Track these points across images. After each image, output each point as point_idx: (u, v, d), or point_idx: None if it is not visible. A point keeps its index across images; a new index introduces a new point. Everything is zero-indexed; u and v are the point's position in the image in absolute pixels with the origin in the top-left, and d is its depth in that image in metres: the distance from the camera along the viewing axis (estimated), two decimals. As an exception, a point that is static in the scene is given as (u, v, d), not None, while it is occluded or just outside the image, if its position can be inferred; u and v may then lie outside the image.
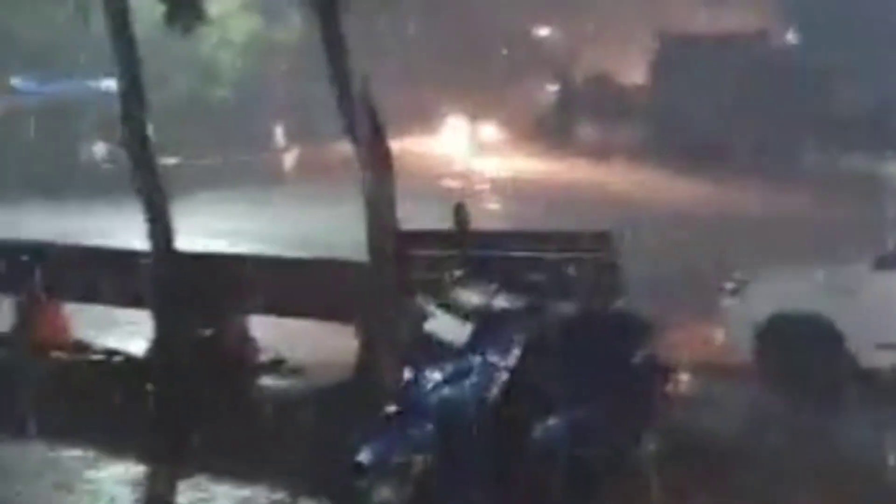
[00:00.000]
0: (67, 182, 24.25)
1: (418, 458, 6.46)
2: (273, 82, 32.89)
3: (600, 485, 6.97)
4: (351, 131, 9.40)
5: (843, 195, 17.95)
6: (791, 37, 31.73)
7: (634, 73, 33.93)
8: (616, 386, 7.10)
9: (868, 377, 9.12)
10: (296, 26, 29.01)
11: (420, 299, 7.59)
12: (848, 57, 26.53)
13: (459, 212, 7.47)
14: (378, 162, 9.06)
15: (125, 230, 10.90)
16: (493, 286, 6.97)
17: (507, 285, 7.04)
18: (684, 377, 9.74)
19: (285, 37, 31.18)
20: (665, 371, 8.10)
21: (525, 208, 19.54)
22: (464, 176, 25.48)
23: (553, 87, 35.62)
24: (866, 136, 23.92)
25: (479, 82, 31.74)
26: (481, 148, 31.09)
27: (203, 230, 17.31)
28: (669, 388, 8.25)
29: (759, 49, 31.31)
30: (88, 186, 23.49)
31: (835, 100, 27.55)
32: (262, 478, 7.59)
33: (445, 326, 6.84)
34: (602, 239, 9.44)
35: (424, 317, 7.08)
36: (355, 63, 9.67)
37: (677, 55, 31.33)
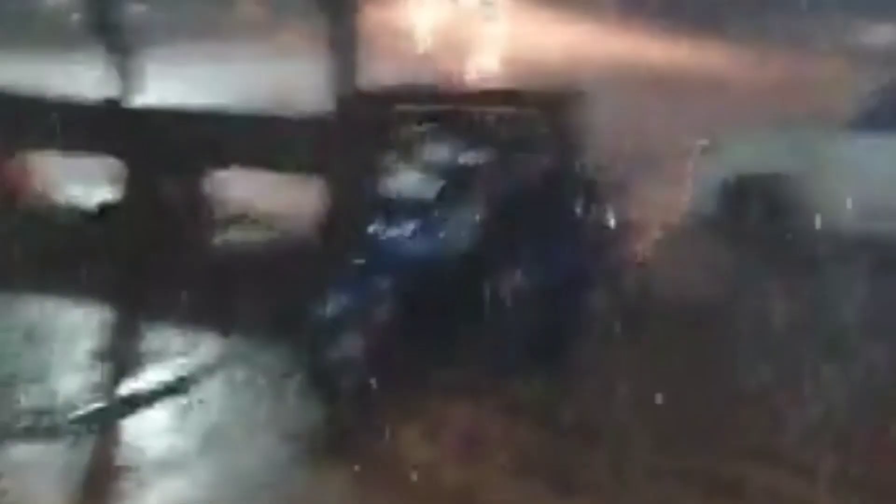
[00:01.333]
0: (27, 29, 23.70)
1: (381, 311, 6.47)
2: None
3: (566, 342, 7.02)
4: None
5: (812, 60, 17.81)
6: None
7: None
8: (583, 244, 7.12)
9: (835, 241, 9.13)
10: None
11: (387, 154, 7.51)
12: None
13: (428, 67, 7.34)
14: (338, 11, 8.87)
15: (85, 81, 10.65)
16: (462, 142, 6.89)
17: (476, 141, 6.97)
18: (653, 236, 9.77)
19: None
20: (631, 231, 8.11)
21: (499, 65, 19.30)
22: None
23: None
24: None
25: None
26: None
27: (166, 83, 17.07)
28: (638, 246, 8.28)
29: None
30: (50, 35, 22.96)
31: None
32: (221, 330, 7.59)
33: (412, 181, 6.78)
34: (573, 98, 9.32)
35: (393, 171, 7.01)
36: None
37: None
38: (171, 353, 7.43)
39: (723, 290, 8.67)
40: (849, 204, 9.13)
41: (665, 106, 15.03)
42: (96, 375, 7.18)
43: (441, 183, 6.74)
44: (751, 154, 9.86)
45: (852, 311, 7.60)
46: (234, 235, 9.85)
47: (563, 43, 23.20)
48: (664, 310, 7.99)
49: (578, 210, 7.33)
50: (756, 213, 9.59)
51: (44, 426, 6.43)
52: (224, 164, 9.88)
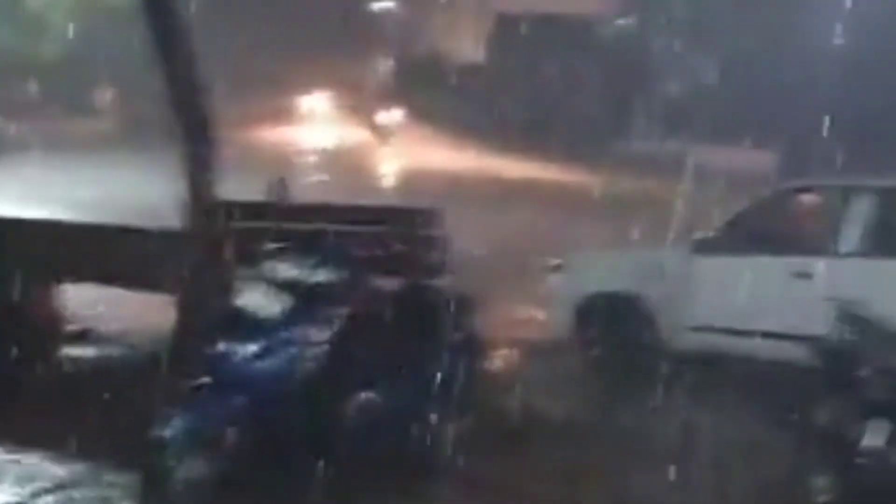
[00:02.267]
0: None
1: (228, 432, 6.33)
2: (102, 44, 31.91)
3: (417, 460, 6.98)
4: (175, 99, 9.14)
5: (666, 180, 18.37)
6: (624, 21, 32.34)
7: (471, 50, 34.12)
8: (433, 363, 7.12)
9: (680, 358, 9.34)
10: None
11: (237, 271, 7.44)
12: (661, 44, 27.22)
13: (277, 184, 7.32)
14: (197, 129, 8.86)
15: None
16: (313, 259, 6.87)
17: (328, 259, 6.95)
18: (504, 354, 9.86)
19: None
20: (486, 348, 8.16)
21: (354, 182, 19.45)
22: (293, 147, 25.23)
23: (389, 63, 35.56)
24: (688, 122, 24.58)
25: (314, 56, 31.45)
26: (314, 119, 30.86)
27: (17, 194, 16.76)
28: (489, 364, 8.33)
29: (594, 31, 31.87)
30: None
31: (660, 85, 28.21)
32: (60, 451, 7.34)
33: (263, 299, 6.71)
34: (427, 215, 9.44)
35: (241, 289, 6.93)
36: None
37: (512, 34, 31.65)
38: (9, 477, 7.13)
39: (575, 407, 8.77)
40: (693, 323, 9.38)
41: (523, 226, 15.34)
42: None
43: (293, 301, 6.68)
44: (601, 273, 10.06)
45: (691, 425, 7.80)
46: (79, 351, 9.60)
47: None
48: (517, 426, 8.02)
49: (432, 328, 7.34)
50: (605, 331, 9.76)
51: None
52: (71, 277, 9.65)
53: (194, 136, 8.96)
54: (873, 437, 6.31)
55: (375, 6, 36.88)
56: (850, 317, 6.85)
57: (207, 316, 7.70)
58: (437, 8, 34.13)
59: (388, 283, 7.54)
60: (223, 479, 6.25)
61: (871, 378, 6.45)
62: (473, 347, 7.70)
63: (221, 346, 6.54)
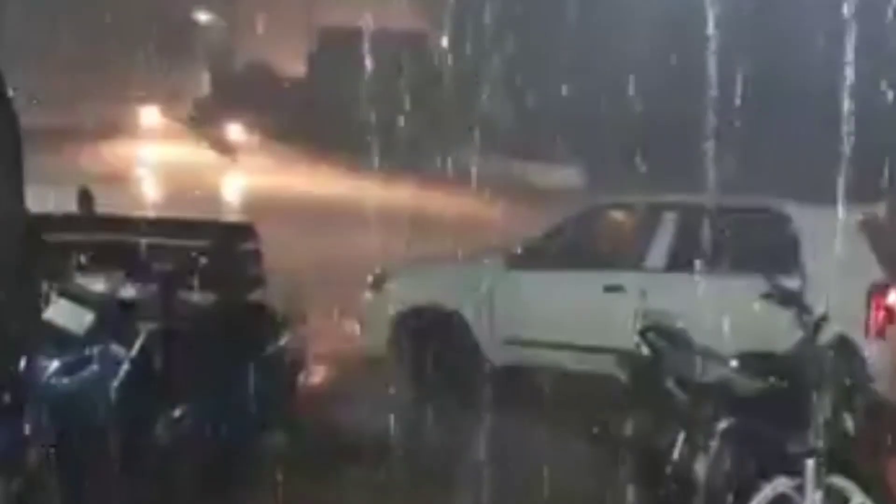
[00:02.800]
0: None
1: (35, 452, 6.12)
2: None
3: (225, 478, 6.87)
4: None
5: (480, 198, 18.61)
6: (447, 41, 32.64)
7: (292, 63, 33.97)
8: (246, 378, 7.03)
9: (495, 370, 9.47)
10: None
11: (42, 285, 7.19)
12: (502, 65, 27.61)
13: (83, 196, 7.13)
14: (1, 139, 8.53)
15: None
16: (121, 273, 6.69)
17: (136, 273, 6.78)
18: (321, 370, 9.81)
19: None
20: (301, 364, 8.10)
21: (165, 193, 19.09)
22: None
23: (208, 75, 35.15)
24: (515, 142, 24.99)
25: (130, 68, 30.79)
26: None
27: None
28: (303, 380, 8.27)
29: (417, 50, 32.10)
30: None
31: (480, 105, 28.55)
32: None
33: (68, 314, 6.51)
34: (242, 230, 9.32)
35: (46, 304, 6.71)
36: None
37: (334, 49, 31.66)
38: None
39: (392, 422, 8.77)
40: (508, 336, 9.52)
41: (341, 239, 15.30)
42: None
43: (98, 316, 6.49)
44: (420, 286, 10.11)
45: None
46: None
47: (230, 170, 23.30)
48: (333, 443, 7.99)
49: (247, 345, 7.26)
50: (422, 344, 9.81)
51: None
52: None
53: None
54: (682, 449, 6.49)
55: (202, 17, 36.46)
56: (657, 330, 7.03)
57: (11, 332, 7.43)
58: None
59: (199, 298, 7.40)
60: (27, 501, 6.03)
61: (678, 390, 6.63)
62: (286, 362, 7.64)
63: (26, 363, 6.31)
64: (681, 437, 6.43)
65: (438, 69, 30.23)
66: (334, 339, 10.29)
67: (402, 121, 27.37)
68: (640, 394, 6.88)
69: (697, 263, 9.16)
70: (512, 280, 9.64)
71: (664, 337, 6.95)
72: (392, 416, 8.76)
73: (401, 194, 20.47)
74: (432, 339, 9.77)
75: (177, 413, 6.63)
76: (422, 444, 8.17)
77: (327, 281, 12.08)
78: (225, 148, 25.80)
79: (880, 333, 8.50)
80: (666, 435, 6.52)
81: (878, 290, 8.67)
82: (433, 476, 7.42)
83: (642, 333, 6.97)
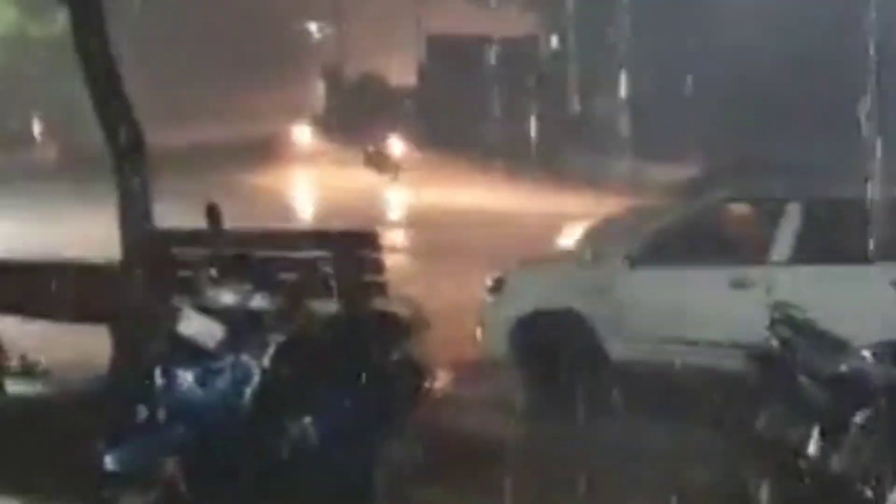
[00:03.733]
0: None
1: (170, 462, 6.28)
2: (30, 78, 31.65)
3: (358, 484, 6.94)
4: (107, 130, 9.08)
5: (601, 197, 18.52)
6: (557, 43, 32.57)
7: (403, 73, 34.21)
8: (374, 387, 7.09)
9: (618, 371, 9.40)
10: (56, 21, 28.00)
11: (174, 299, 7.38)
12: (607, 66, 27.51)
13: (211, 211, 7.28)
14: (131, 159, 8.81)
15: None
16: (249, 286, 6.82)
17: (263, 284, 6.91)
18: (443, 375, 9.84)
19: (43, 32, 30.07)
20: (425, 370, 8.13)
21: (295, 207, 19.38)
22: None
23: (322, 86, 35.58)
24: (621, 141, 24.84)
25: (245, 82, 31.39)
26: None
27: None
28: (428, 386, 8.30)
29: (527, 54, 32.09)
30: None
31: (596, 106, 28.47)
32: (9, 486, 7.23)
33: (199, 327, 6.66)
34: (365, 238, 9.41)
35: (178, 317, 6.87)
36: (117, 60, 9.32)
37: (444, 57, 31.81)
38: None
39: (517, 427, 8.78)
40: (633, 336, 9.43)
41: (461, 244, 15.35)
42: None
43: (229, 328, 6.63)
44: (540, 288, 10.08)
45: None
46: (17, 387, 9.47)
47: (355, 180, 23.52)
48: (460, 449, 8.02)
49: (372, 353, 7.32)
50: (546, 348, 9.76)
51: None
52: (7, 312, 9.53)
53: (129, 166, 8.91)
54: (812, 444, 6.38)
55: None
56: (788, 323, 6.92)
57: (146, 346, 7.65)
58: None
59: (325, 307, 7.50)
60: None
61: (811, 383, 6.53)
62: (411, 369, 7.68)
63: (161, 376, 6.49)
64: (815, 430, 6.32)
65: (551, 71, 30.18)
66: (457, 345, 10.32)
67: (511, 124, 27.51)
68: (772, 388, 6.78)
69: (825, 255, 9.01)
70: (634, 278, 9.55)
71: (794, 330, 6.84)
72: (517, 421, 8.79)
73: (516, 198, 20.47)
74: (554, 340, 9.71)
75: (307, 422, 6.72)
76: (549, 446, 8.16)
77: (447, 286, 12.18)
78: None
79: None
80: (800, 429, 6.41)
81: None
82: (563, 478, 7.40)
83: (772, 327, 6.87)
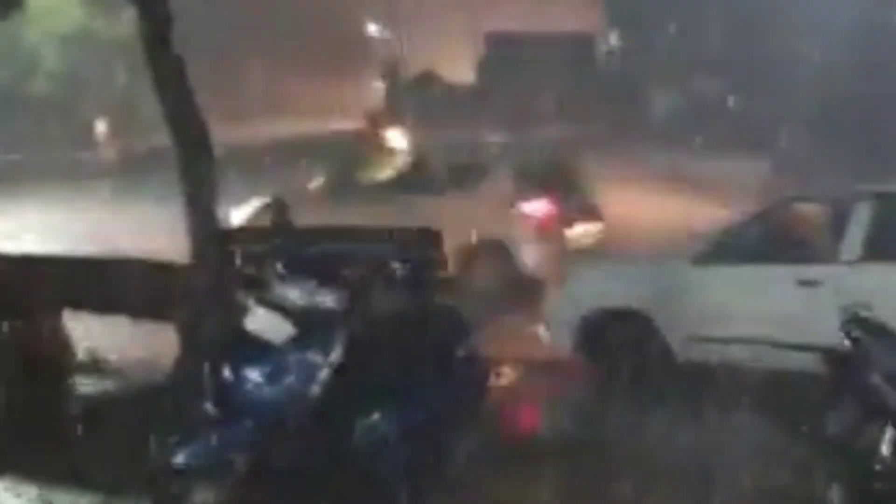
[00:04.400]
0: None
1: (239, 459, 6.30)
2: (98, 77, 32.04)
3: (426, 482, 6.94)
4: (174, 128, 9.15)
5: (664, 195, 18.42)
6: (616, 40, 32.43)
7: (463, 71, 34.22)
8: (440, 383, 7.09)
9: (683, 369, 9.34)
10: (122, 19, 28.31)
11: (241, 296, 7.41)
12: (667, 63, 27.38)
13: (278, 206, 7.32)
14: (197, 156, 8.87)
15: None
16: (315, 282, 6.84)
17: (329, 281, 6.92)
18: (509, 373, 9.83)
19: (111, 30, 30.41)
20: (490, 367, 8.13)
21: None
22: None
23: (381, 85, 35.69)
24: (683, 139, 24.66)
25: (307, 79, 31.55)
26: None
27: (23, 227, 16.79)
28: (494, 384, 8.30)
29: (585, 50, 31.97)
30: None
31: (654, 102, 28.31)
32: (77, 482, 7.31)
33: (266, 324, 6.69)
34: (429, 236, 9.40)
35: (245, 314, 6.91)
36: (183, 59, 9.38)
37: (504, 54, 31.79)
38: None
39: (585, 424, 8.74)
40: (699, 335, 9.36)
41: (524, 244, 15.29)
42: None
43: (298, 325, 6.65)
44: (605, 286, 10.05)
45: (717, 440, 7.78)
46: (86, 383, 9.57)
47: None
48: (531, 446, 8.01)
49: (438, 349, 7.32)
50: (612, 346, 9.73)
51: None
52: (75, 308, 9.64)
53: (195, 164, 8.97)
54: (887, 446, 6.29)
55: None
56: (859, 323, 6.82)
57: (213, 343, 7.69)
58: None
59: (391, 303, 7.49)
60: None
61: (885, 384, 6.43)
62: (476, 365, 7.67)
63: (229, 373, 6.52)
64: (889, 432, 6.23)
65: (608, 69, 30.03)
66: (523, 342, 10.31)
67: (569, 121, 27.38)
68: (843, 389, 6.68)
69: (894, 253, 8.87)
70: (700, 277, 9.49)
71: (866, 330, 6.74)
72: (582, 418, 8.74)
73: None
74: (619, 339, 9.68)
75: (374, 418, 6.72)
76: (613, 445, 8.11)
77: (509, 284, 12.16)
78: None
79: None
80: (873, 430, 6.32)
81: None
82: (630, 477, 7.35)
83: (844, 327, 6.78)
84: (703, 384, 9.13)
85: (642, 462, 7.59)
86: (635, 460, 7.65)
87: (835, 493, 6.52)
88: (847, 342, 6.77)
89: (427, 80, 34.04)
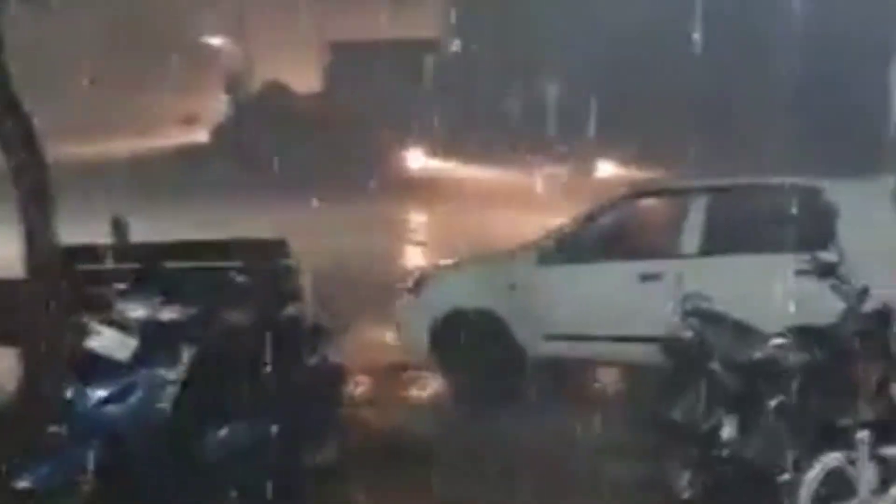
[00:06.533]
0: None
1: (85, 479, 6.17)
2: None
3: (280, 490, 6.89)
4: (3, 146, 8.87)
5: (508, 196, 18.64)
6: (459, 46, 32.66)
7: (310, 80, 34.07)
8: (293, 392, 7.06)
9: (536, 367, 9.46)
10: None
11: (83, 315, 7.25)
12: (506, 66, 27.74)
13: (117, 224, 7.19)
14: (31, 175, 8.63)
15: None
16: (159, 298, 6.73)
17: (174, 296, 6.82)
18: (364, 379, 9.83)
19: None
20: (344, 374, 8.12)
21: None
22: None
23: (225, 98, 35.24)
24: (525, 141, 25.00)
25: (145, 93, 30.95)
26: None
27: None
28: (348, 390, 8.29)
29: (431, 56, 32.16)
30: None
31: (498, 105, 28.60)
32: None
33: (111, 342, 6.56)
34: (277, 246, 9.34)
35: (89, 333, 6.76)
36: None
37: (349, 62, 31.79)
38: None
39: (438, 426, 8.80)
40: (548, 333, 9.50)
41: (373, 249, 15.35)
42: None
43: (141, 342, 6.54)
44: (454, 288, 10.12)
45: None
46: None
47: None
48: (383, 451, 8.01)
49: (290, 359, 7.29)
50: (464, 348, 9.79)
51: None
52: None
53: (29, 182, 8.72)
54: (727, 431, 6.48)
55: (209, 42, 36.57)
56: (698, 314, 7.02)
57: (57, 363, 7.50)
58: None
59: (239, 317, 7.43)
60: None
61: (724, 371, 6.63)
62: (329, 374, 7.66)
63: (73, 393, 6.37)
64: (729, 417, 6.43)
65: (455, 72, 30.23)
66: (377, 348, 10.32)
67: (416, 126, 27.51)
68: (686, 378, 6.87)
69: (733, 245, 9.14)
70: (545, 274, 9.62)
71: (706, 320, 6.95)
72: (437, 420, 8.80)
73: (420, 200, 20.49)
74: (471, 340, 9.75)
75: (225, 432, 6.66)
76: (468, 444, 8.17)
77: (363, 291, 12.14)
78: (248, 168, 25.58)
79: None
80: (715, 417, 6.51)
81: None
82: (485, 476, 7.42)
83: (684, 318, 6.97)
84: (556, 381, 9.30)
85: (500, 458, 7.66)
86: (493, 457, 7.72)
87: (684, 479, 6.69)
88: (688, 333, 6.97)
89: (272, 90, 33.76)
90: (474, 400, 9.28)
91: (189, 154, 31.48)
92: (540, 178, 20.67)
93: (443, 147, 26.49)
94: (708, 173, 9.98)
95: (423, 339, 9.94)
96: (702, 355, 6.74)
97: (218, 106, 35.24)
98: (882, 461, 5.85)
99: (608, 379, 8.87)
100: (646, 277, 9.20)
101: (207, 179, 26.16)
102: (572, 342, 9.38)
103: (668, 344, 7.15)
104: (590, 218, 9.83)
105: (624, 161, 20.65)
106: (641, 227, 9.98)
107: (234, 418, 6.75)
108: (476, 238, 12.52)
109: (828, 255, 6.81)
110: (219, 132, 33.15)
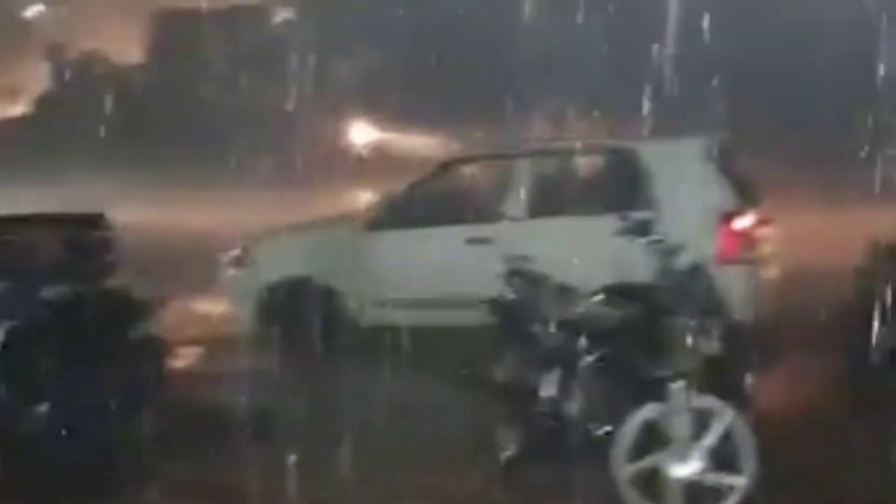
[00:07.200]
0: None
1: None
2: None
3: (102, 464, 6.76)
4: None
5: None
6: (290, 12, 32.30)
7: (132, 50, 33.26)
8: (109, 367, 6.93)
9: (368, 334, 9.48)
10: None
11: None
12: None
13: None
14: None
15: None
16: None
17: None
18: (186, 352, 9.69)
19: None
20: (164, 347, 7.99)
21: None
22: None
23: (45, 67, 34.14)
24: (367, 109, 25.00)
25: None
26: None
27: None
28: (169, 364, 8.16)
29: (261, 23, 31.77)
30: None
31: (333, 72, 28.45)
32: None
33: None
34: (95, 219, 9.11)
35: None
36: None
37: (176, 31, 31.16)
38: None
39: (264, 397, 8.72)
40: (377, 299, 9.53)
41: (197, 219, 15.11)
42: None
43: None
44: (281, 258, 10.05)
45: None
46: None
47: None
48: (210, 423, 7.91)
49: (109, 333, 7.15)
50: (293, 316, 9.71)
51: None
52: None
53: None
54: (549, 388, 6.61)
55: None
56: (520, 275, 7.13)
57: None
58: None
59: (55, 291, 7.23)
60: None
61: (544, 330, 6.75)
62: (149, 348, 7.54)
63: None
64: (550, 375, 6.55)
65: (280, 39, 29.89)
66: (202, 321, 10.19)
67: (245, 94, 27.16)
68: (508, 338, 6.97)
69: (554, 207, 9.33)
70: (373, 241, 9.64)
71: (527, 281, 7.06)
72: (267, 391, 8.73)
73: (252, 172, 20.23)
74: (297, 309, 9.69)
75: (43, 408, 6.52)
76: (296, 414, 8.13)
77: (186, 263, 11.96)
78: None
79: (729, 259, 8.70)
80: (536, 374, 6.63)
81: (726, 217, 8.92)
82: (311, 444, 7.40)
83: (506, 280, 7.07)
84: (384, 346, 9.31)
85: (329, 427, 7.65)
86: (321, 426, 7.71)
87: (507, 437, 6.80)
88: (510, 295, 7.08)
89: (92, 60, 32.83)
90: (304, 369, 9.24)
91: (8, 125, 30.56)
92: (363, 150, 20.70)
93: (267, 118, 26.14)
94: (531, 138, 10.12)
95: (249, 309, 9.85)
96: (523, 315, 6.85)
97: (39, 76, 34.14)
98: (695, 412, 6.05)
99: (438, 343, 8.92)
100: (472, 241, 9.32)
101: (26, 152, 25.41)
102: (401, 308, 9.42)
103: (492, 305, 7.24)
104: (416, 184, 9.87)
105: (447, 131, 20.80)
106: (467, 192, 10.10)
107: (53, 392, 6.62)
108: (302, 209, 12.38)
109: (643, 215, 6.98)
110: (40, 103, 32.16)
